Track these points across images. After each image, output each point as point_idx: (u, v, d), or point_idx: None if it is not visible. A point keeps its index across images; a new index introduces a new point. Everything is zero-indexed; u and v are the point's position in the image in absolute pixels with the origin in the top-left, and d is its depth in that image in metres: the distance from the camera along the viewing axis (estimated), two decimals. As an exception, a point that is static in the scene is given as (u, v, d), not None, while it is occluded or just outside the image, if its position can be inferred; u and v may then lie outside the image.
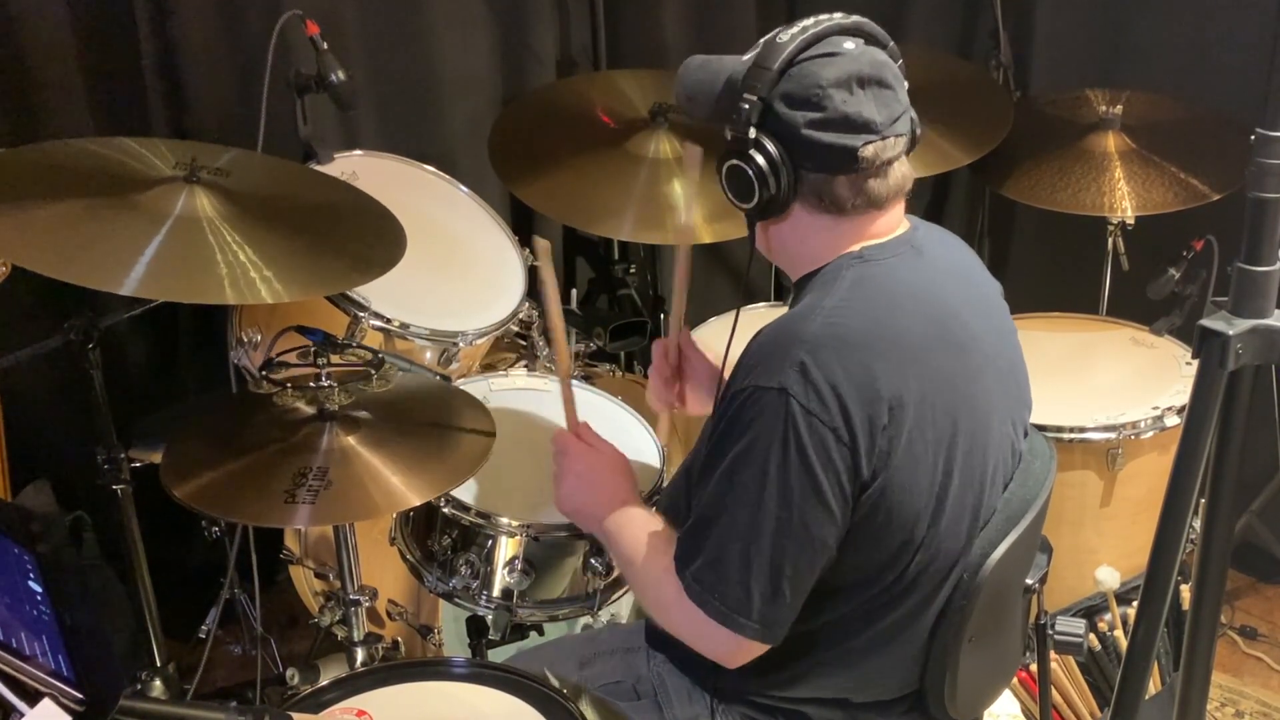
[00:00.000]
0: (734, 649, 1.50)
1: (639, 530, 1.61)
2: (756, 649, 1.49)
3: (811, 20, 1.49)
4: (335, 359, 1.87)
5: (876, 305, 1.48)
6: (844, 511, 1.43)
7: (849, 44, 1.47)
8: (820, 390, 1.39)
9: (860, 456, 1.41)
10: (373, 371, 1.88)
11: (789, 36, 1.47)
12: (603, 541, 1.72)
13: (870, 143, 1.44)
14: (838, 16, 1.49)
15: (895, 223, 1.55)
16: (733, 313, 1.71)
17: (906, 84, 1.51)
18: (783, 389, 1.40)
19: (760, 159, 1.47)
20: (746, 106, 1.47)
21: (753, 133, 1.47)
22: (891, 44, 1.53)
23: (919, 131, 1.53)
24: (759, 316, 1.66)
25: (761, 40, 1.50)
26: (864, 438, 1.41)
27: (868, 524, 1.45)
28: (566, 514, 1.74)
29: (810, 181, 1.48)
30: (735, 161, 1.49)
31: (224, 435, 1.84)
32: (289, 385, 1.85)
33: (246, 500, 1.74)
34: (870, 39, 1.50)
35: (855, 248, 1.51)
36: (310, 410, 1.85)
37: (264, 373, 1.88)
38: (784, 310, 1.56)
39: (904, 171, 1.51)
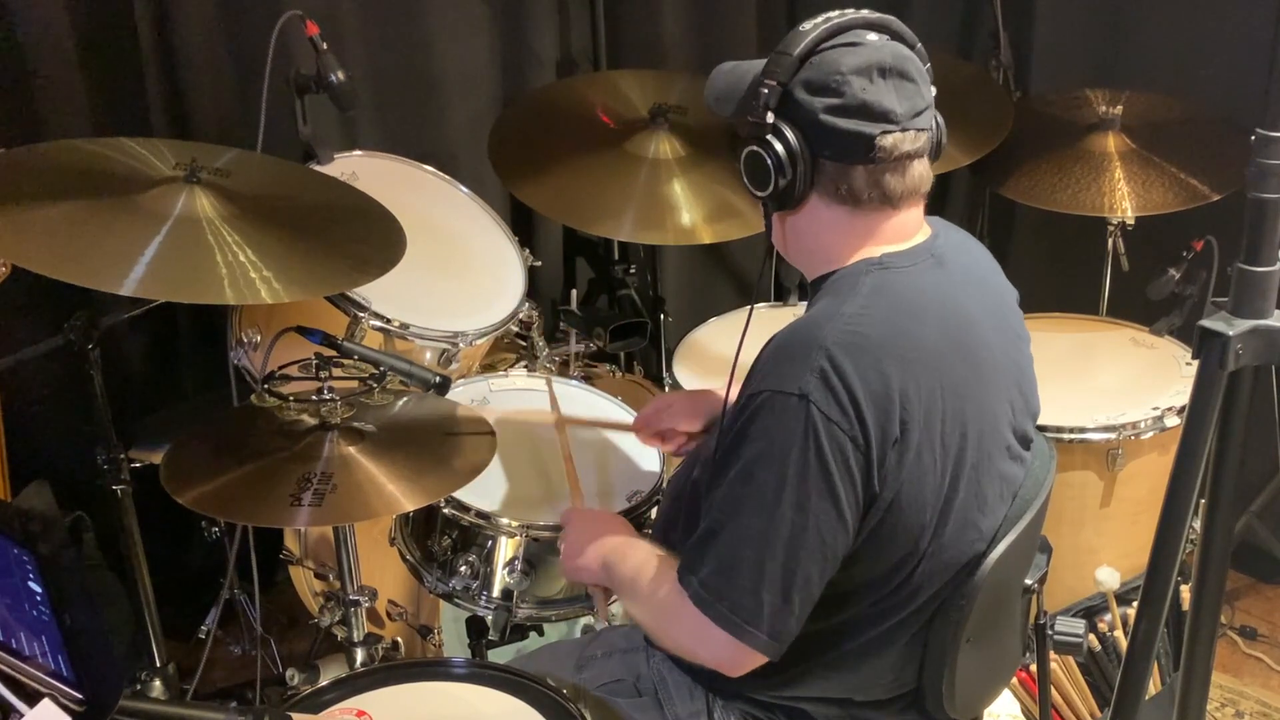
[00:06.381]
0: (738, 657, 1.47)
1: (641, 552, 1.62)
2: (758, 659, 1.46)
3: (837, 12, 1.48)
4: (337, 372, 1.87)
5: (897, 314, 1.46)
6: (855, 522, 1.42)
7: (873, 36, 1.46)
8: (839, 398, 1.38)
9: (872, 466, 1.40)
10: (374, 386, 1.88)
11: (812, 25, 1.46)
12: (606, 576, 1.68)
13: (889, 133, 1.43)
14: (865, 11, 1.49)
15: (914, 228, 1.53)
16: (732, 313, 1.70)
17: (934, 88, 1.50)
18: (804, 395, 1.38)
19: (778, 145, 1.46)
20: (765, 92, 1.46)
21: (770, 118, 1.46)
22: (919, 45, 1.51)
23: (944, 137, 1.53)
24: (761, 316, 1.66)
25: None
26: (877, 449, 1.39)
27: (874, 534, 1.45)
28: (573, 575, 1.77)
29: (827, 171, 1.47)
30: (753, 147, 1.48)
31: (226, 444, 1.84)
32: (291, 399, 1.85)
33: (250, 503, 1.74)
34: (897, 36, 1.49)
35: (875, 253, 1.50)
36: (313, 421, 1.84)
37: (266, 386, 1.87)
38: (786, 311, 1.55)
39: (922, 171, 1.49)
